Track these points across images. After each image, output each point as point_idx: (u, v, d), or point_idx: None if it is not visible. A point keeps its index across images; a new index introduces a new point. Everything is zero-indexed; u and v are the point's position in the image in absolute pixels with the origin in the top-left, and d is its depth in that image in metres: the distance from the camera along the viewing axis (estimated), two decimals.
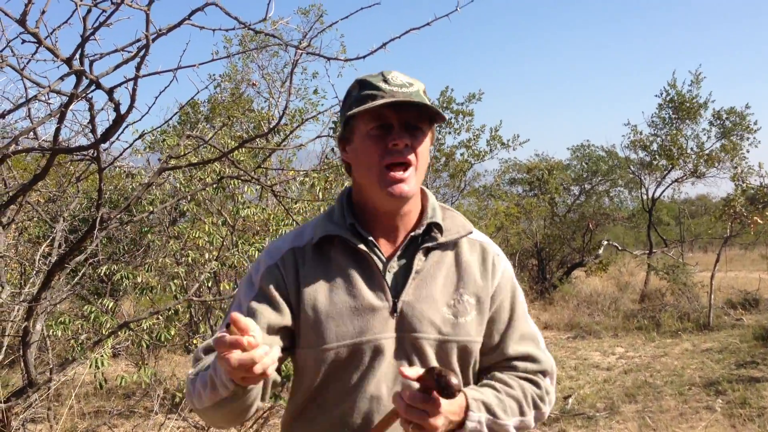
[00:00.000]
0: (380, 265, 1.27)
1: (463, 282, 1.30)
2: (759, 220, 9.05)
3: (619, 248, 14.42)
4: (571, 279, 13.85)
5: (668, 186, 13.48)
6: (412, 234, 1.30)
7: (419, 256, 1.28)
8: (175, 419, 4.84)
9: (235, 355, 0.95)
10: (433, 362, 1.24)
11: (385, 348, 1.23)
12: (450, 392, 1.02)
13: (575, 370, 7.29)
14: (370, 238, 1.28)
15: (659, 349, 8.18)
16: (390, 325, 1.23)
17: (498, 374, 1.32)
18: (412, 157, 1.23)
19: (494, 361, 1.34)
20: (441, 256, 1.31)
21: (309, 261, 1.28)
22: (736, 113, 12.32)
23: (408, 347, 1.24)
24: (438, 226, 1.31)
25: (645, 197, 14.04)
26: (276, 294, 1.25)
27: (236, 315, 0.97)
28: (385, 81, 1.24)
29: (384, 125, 1.23)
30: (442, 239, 1.31)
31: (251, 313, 1.21)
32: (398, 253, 1.29)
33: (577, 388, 6.44)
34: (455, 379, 1.02)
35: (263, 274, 1.27)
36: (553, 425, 5.31)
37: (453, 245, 1.33)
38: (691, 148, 12.65)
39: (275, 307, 1.24)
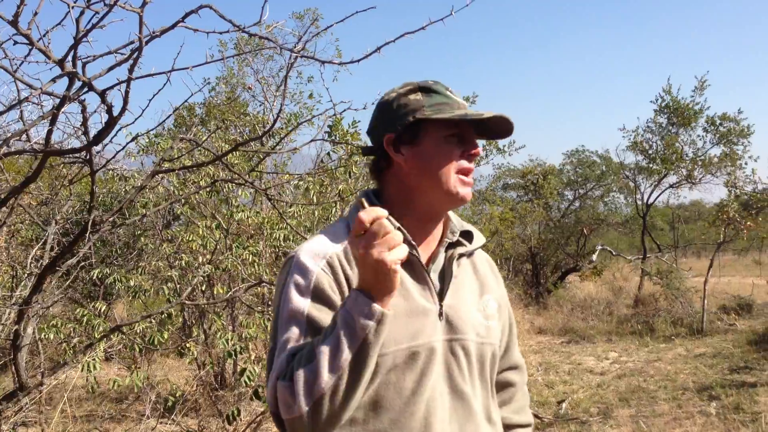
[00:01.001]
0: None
1: (486, 288, 1.36)
2: (752, 226, 9.10)
3: (613, 253, 14.43)
4: (566, 284, 13.86)
5: (664, 191, 13.53)
6: (449, 240, 1.33)
7: (455, 262, 1.31)
8: (168, 423, 4.81)
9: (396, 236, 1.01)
10: (475, 364, 1.28)
11: (437, 351, 1.23)
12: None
13: (569, 374, 7.29)
14: (414, 242, 1.27)
15: (653, 354, 8.20)
16: (439, 327, 1.24)
17: None
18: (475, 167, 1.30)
19: (503, 367, 1.43)
20: (466, 263, 1.35)
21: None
22: (730, 119, 12.35)
23: (457, 350, 1.25)
24: (469, 235, 1.36)
25: (640, 202, 14.08)
26: (334, 297, 1.18)
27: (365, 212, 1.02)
28: (450, 91, 1.29)
29: (459, 134, 1.27)
30: (471, 247, 1.35)
31: (311, 322, 1.14)
32: (436, 258, 1.31)
33: (570, 392, 6.43)
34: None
35: (317, 277, 1.19)
36: (547, 430, 5.30)
37: (471, 254, 1.37)
38: (686, 154, 12.69)
39: (336, 309, 1.17)
